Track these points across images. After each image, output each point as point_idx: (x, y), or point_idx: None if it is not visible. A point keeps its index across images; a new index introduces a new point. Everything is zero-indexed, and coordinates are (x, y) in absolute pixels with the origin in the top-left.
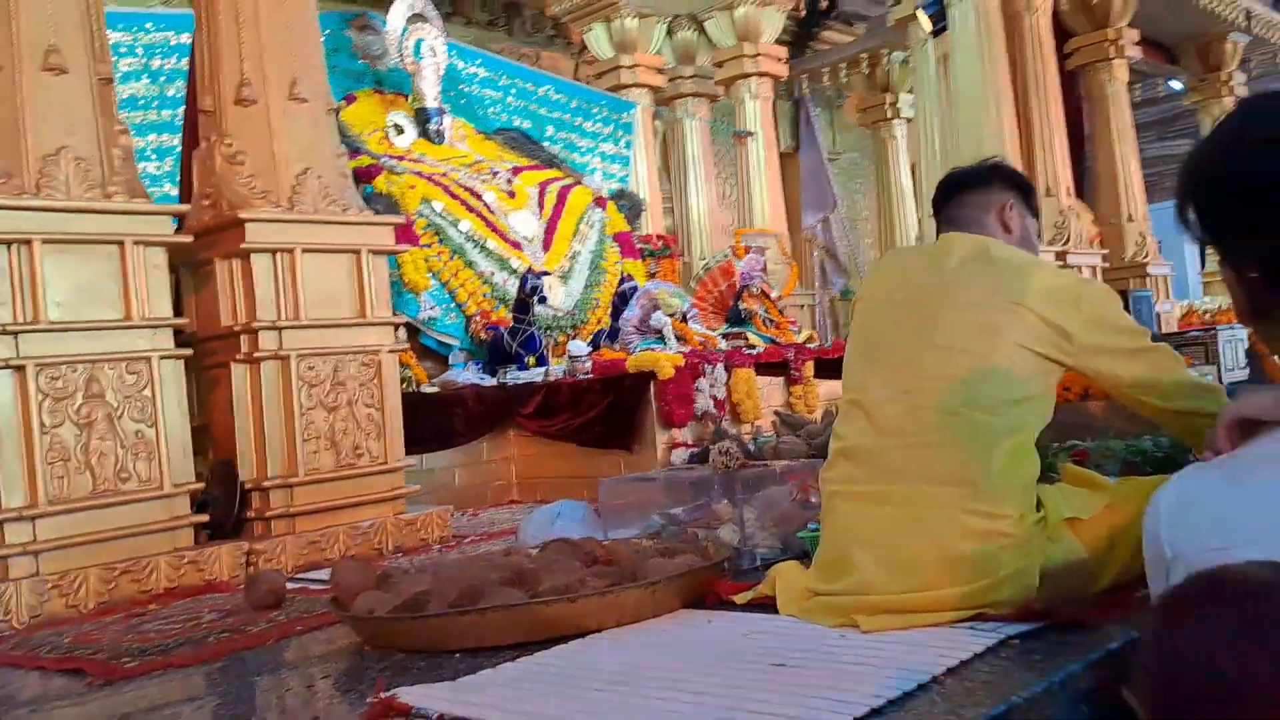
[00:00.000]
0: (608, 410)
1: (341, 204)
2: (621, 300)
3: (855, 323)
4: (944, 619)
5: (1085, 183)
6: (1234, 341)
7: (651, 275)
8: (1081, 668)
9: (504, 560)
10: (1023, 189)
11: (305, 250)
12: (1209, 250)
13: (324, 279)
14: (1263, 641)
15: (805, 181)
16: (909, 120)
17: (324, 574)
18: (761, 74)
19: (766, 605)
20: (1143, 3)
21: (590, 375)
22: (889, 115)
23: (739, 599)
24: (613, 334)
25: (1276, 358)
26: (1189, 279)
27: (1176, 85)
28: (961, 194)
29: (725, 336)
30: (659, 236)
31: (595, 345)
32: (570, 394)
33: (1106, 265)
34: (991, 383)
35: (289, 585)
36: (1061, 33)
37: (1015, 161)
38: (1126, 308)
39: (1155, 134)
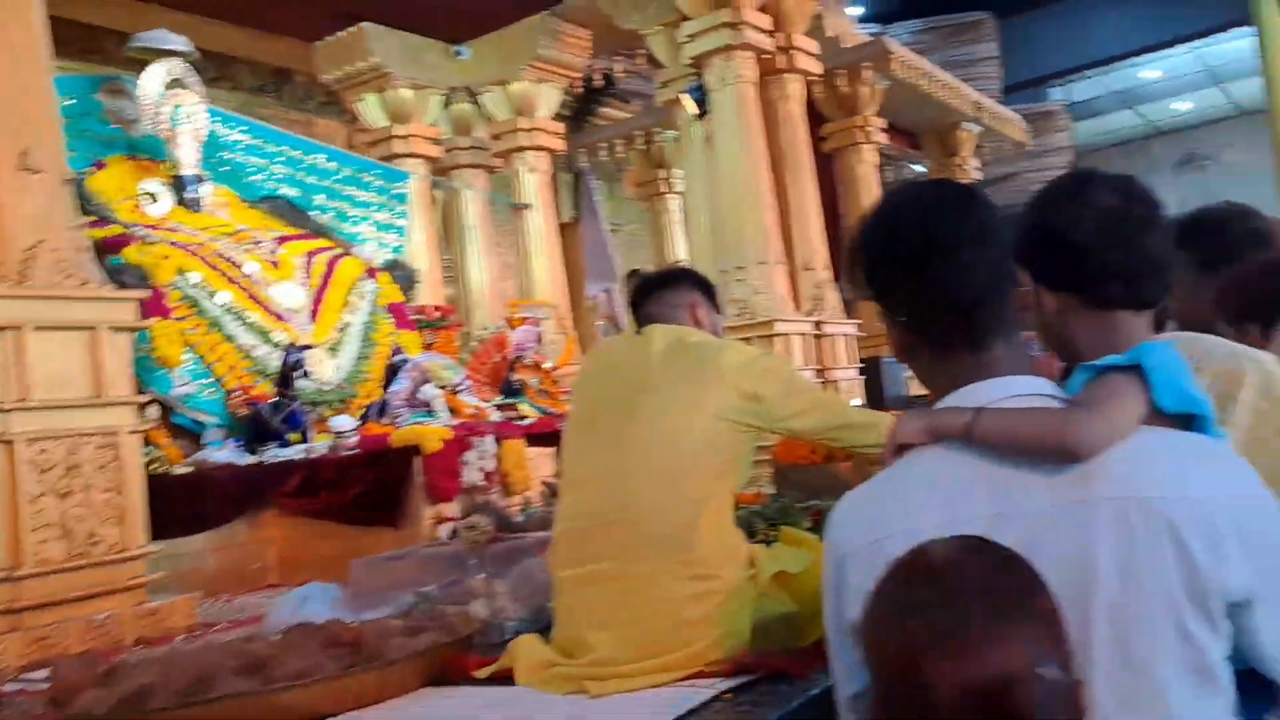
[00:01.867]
0: (372, 486)
1: (78, 278)
2: (392, 373)
3: (572, 407)
4: (667, 679)
5: (840, 257)
6: None
7: (428, 346)
8: (783, 715)
9: (241, 647)
10: (706, 289)
11: (37, 328)
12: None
13: (56, 357)
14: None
15: (588, 252)
16: (680, 194)
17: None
18: (538, 148)
19: (508, 678)
20: (888, 94)
21: (355, 451)
22: (663, 190)
23: (480, 673)
24: (383, 407)
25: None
26: None
27: (919, 168)
28: (657, 293)
29: (498, 408)
30: (436, 307)
31: (365, 419)
32: (334, 470)
33: (861, 334)
34: (693, 456)
35: (7, 687)
36: (817, 117)
37: (775, 237)
38: (876, 374)
39: None
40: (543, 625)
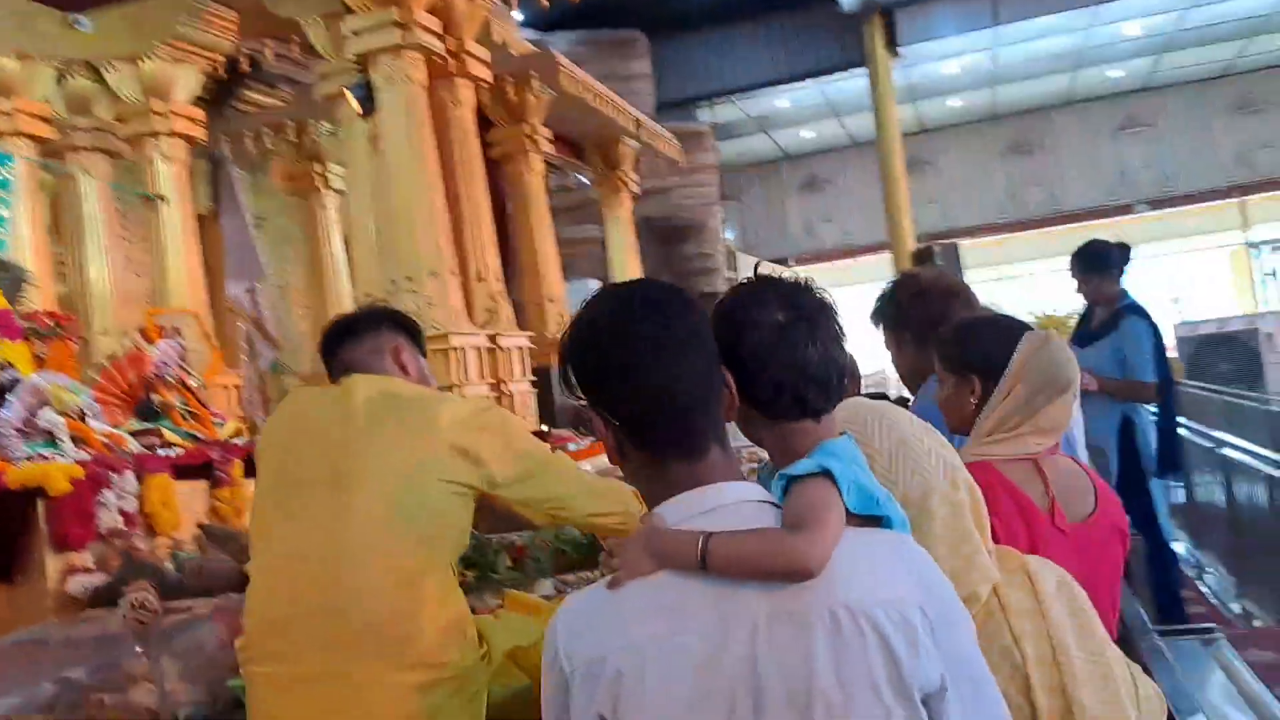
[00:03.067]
0: None
1: None
2: (1, 394)
3: (259, 479)
4: None
5: (509, 266)
6: None
7: (39, 360)
8: None
9: None
10: (410, 331)
11: None
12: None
13: None
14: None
15: (229, 249)
16: (340, 192)
17: None
18: (175, 134)
19: None
20: (553, 104)
21: None
22: (319, 185)
23: None
24: None
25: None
26: None
27: (585, 180)
28: (354, 339)
29: (136, 434)
30: (49, 314)
31: None
32: None
33: (534, 346)
34: (409, 531)
35: None
36: (485, 120)
37: (448, 246)
38: (547, 383)
39: (568, 218)
40: (221, 710)
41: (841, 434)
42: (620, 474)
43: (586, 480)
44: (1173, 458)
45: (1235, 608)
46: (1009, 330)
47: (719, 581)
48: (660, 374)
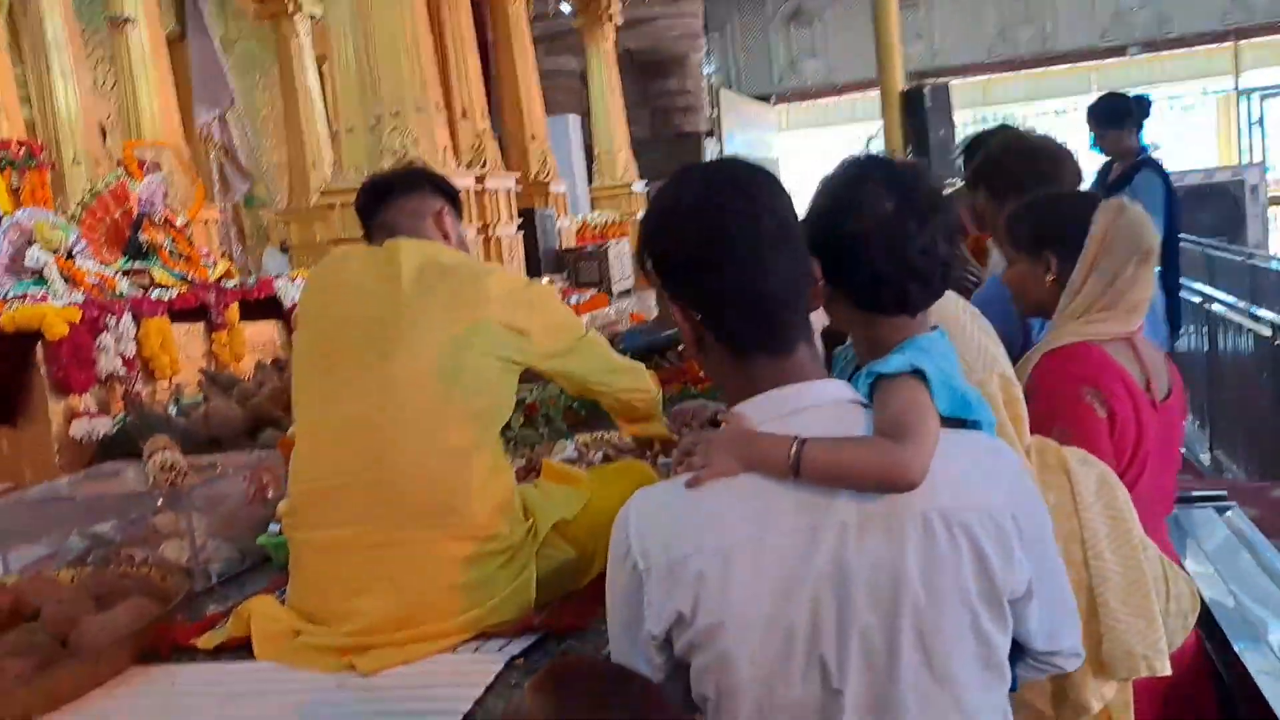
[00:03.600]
0: None
1: None
2: None
3: (300, 342)
4: (446, 645)
5: (490, 103)
6: (621, 256)
7: (14, 193)
8: None
9: None
10: (450, 196)
11: None
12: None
13: None
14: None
15: (196, 73)
16: (313, 17)
17: None
18: None
19: (237, 646)
20: None
21: None
22: (290, 10)
23: (203, 643)
24: None
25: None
26: (578, 195)
27: (566, 9)
28: (394, 199)
29: (125, 274)
30: (20, 142)
31: None
32: None
33: (519, 188)
34: (459, 402)
35: None
36: None
37: (433, 81)
38: (532, 226)
39: (545, 49)
40: (251, 566)
41: (934, 328)
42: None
43: (616, 358)
44: (1175, 316)
45: (1205, 459)
46: (1083, 202)
47: (808, 486)
48: (750, 268)
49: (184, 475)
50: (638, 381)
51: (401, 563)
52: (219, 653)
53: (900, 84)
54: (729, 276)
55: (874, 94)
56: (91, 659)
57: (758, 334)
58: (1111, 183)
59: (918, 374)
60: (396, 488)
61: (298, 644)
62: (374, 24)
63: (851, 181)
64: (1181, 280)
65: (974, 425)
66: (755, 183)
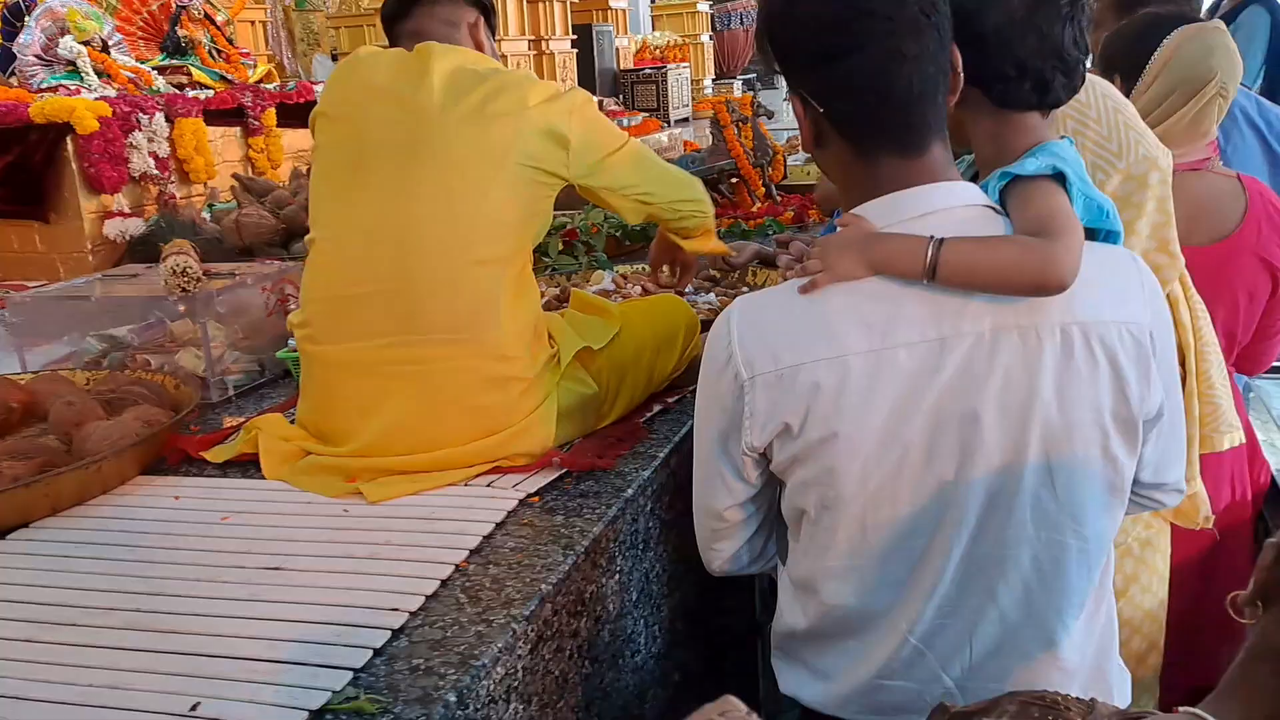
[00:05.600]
0: (9, 171)
1: None
2: (14, 16)
3: (321, 146)
4: (457, 478)
5: None
6: (680, 80)
7: None
8: (603, 527)
9: None
10: (486, 7)
11: None
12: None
13: None
14: None
15: None
16: None
17: None
18: None
19: (245, 463)
20: None
21: None
22: None
23: (212, 457)
24: (7, 62)
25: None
26: (640, 13)
27: None
28: (426, 4)
29: (161, 70)
30: None
31: None
32: None
33: (576, 0)
34: (492, 211)
35: None
36: None
37: None
38: (588, 43)
39: None
40: (270, 380)
41: (1062, 138)
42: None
43: (667, 168)
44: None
45: None
46: (1164, 26)
47: (940, 291)
48: (888, 58)
49: (198, 281)
50: (692, 194)
51: (417, 379)
52: (228, 467)
53: None
54: (863, 62)
55: None
56: (95, 464)
57: (889, 129)
58: (1220, 17)
59: (1057, 177)
60: (418, 299)
61: (306, 464)
62: None
63: None
64: None
65: (1107, 237)
66: None
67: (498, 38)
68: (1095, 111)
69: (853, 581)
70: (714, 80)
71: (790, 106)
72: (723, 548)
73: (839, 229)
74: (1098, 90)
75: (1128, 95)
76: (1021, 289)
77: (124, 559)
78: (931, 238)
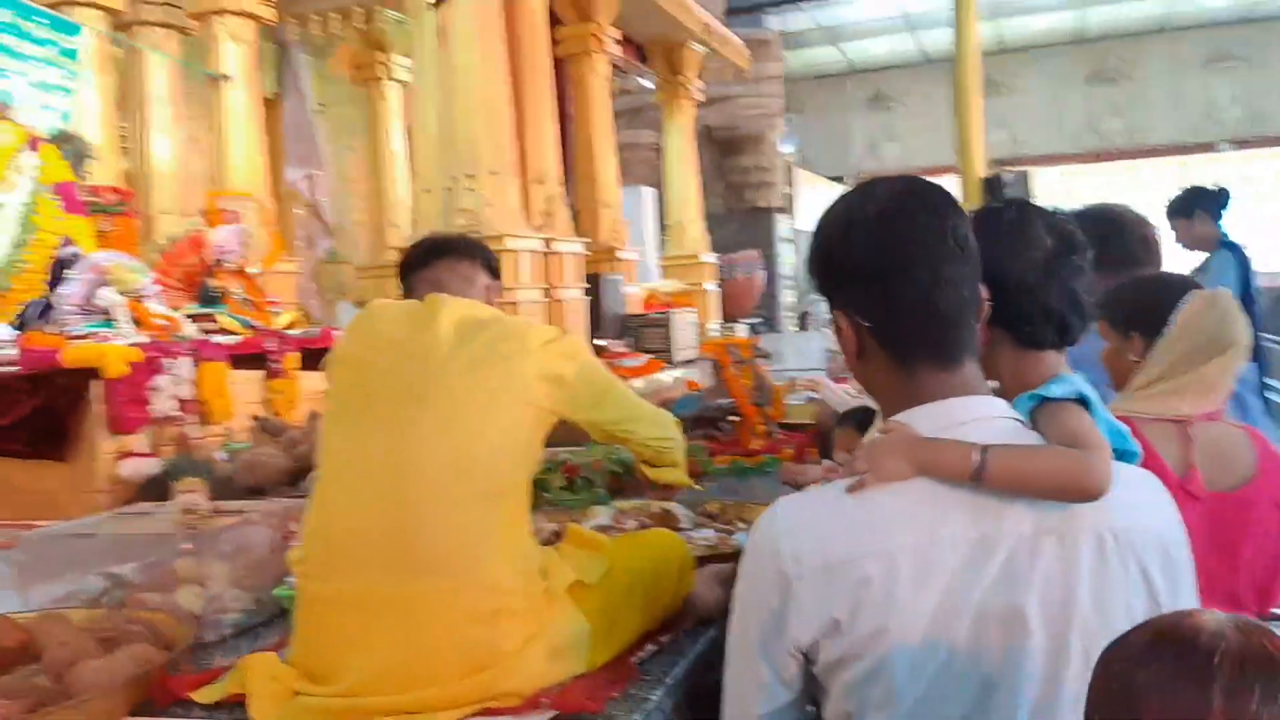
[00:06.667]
0: (35, 413)
1: None
2: (61, 269)
3: (332, 389)
4: (448, 718)
5: (566, 169)
6: (686, 324)
7: (102, 235)
8: None
9: None
10: (497, 274)
11: None
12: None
13: None
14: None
15: (289, 134)
16: (403, 83)
17: None
18: (243, 13)
19: (235, 703)
20: (623, 2)
21: (14, 368)
22: (381, 75)
23: (200, 698)
24: (46, 309)
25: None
26: (649, 264)
27: (648, 84)
28: (450, 260)
29: (192, 318)
30: (113, 189)
31: (23, 324)
32: None
33: (588, 253)
34: (488, 452)
35: None
36: (552, 18)
37: (510, 146)
38: (598, 292)
39: (625, 122)
40: (266, 619)
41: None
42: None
43: (644, 406)
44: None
45: None
46: (1176, 287)
47: (983, 494)
48: (930, 277)
49: (206, 519)
50: (665, 431)
51: (405, 615)
52: (215, 709)
53: (981, 170)
54: (909, 284)
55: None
56: (83, 704)
57: (929, 344)
58: (1193, 272)
59: (1081, 401)
60: (412, 533)
61: (294, 705)
62: (456, 89)
63: (1016, 221)
64: (1269, 382)
65: (1123, 456)
66: (940, 198)
67: (510, 287)
68: None
69: None
70: (721, 325)
71: (823, 335)
72: None
73: (881, 435)
74: None
75: (1146, 351)
76: (1063, 494)
77: None
78: (977, 444)
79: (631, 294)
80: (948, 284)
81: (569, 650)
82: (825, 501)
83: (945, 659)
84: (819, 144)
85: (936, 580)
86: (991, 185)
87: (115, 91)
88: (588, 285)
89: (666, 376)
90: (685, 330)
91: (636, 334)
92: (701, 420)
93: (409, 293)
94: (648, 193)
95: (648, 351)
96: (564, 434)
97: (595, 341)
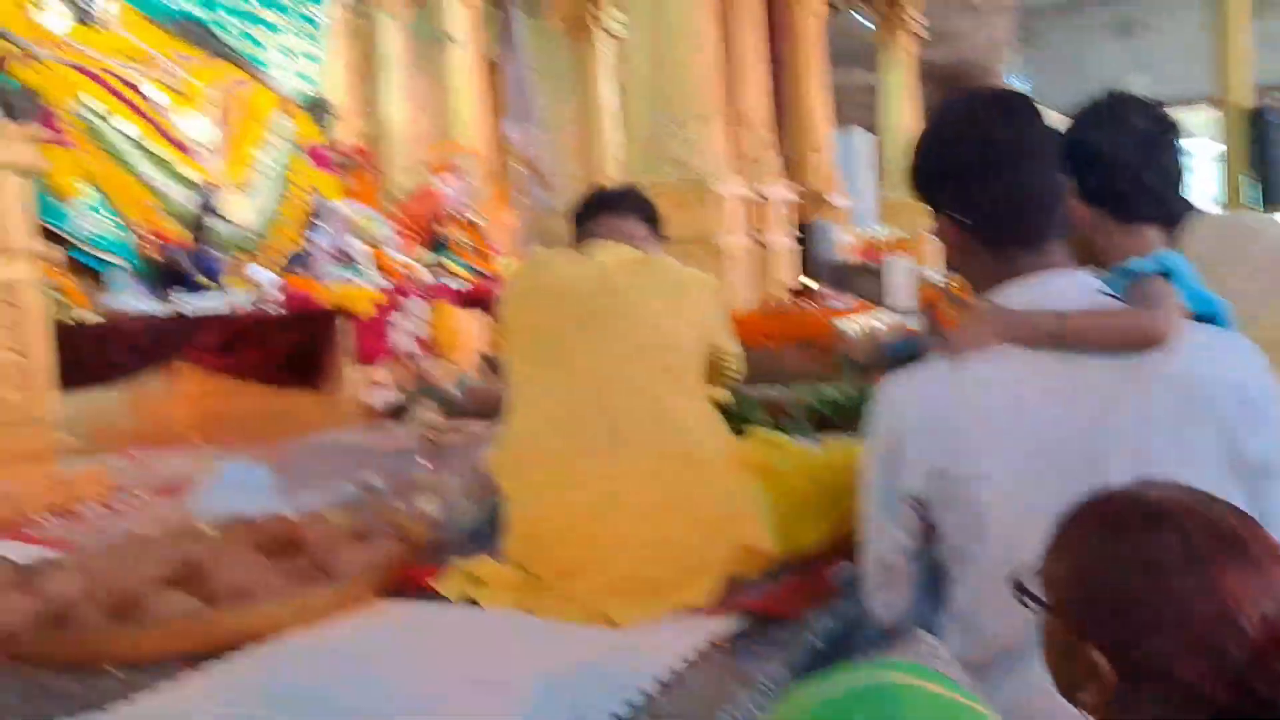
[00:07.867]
0: (295, 346)
1: None
2: (312, 219)
3: (513, 322)
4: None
5: (777, 113)
6: (903, 272)
7: (348, 191)
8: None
9: (170, 550)
10: (654, 221)
11: None
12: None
13: None
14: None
15: (509, 91)
16: (615, 36)
17: None
18: None
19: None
20: None
21: (281, 310)
22: (593, 28)
23: (439, 586)
24: (302, 258)
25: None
26: (865, 209)
27: (865, 21)
28: (618, 213)
29: (427, 266)
30: (356, 149)
31: (284, 270)
32: (257, 328)
33: (799, 199)
34: (680, 364)
35: None
36: None
37: (718, 92)
38: (809, 238)
39: (836, 62)
40: (494, 528)
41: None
42: None
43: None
44: None
45: None
46: None
47: (1064, 354)
48: (1014, 172)
49: (442, 433)
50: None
51: (624, 514)
52: (443, 599)
53: (1247, 100)
54: (997, 179)
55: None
56: (340, 586)
57: (1017, 229)
58: None
59: (1166, 275)
60: (625, 444)
61: (518, 596)
62: (666, 35)
63: (1113, 106)
64: None
65: (1214, 323)
66: (1019, 104)
67: (717, 233)
68: (1245, 267)
69: (1007, 613)
70: (943, 271)
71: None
72: (887, 598)
73: (973, 310)
74: (1260, 240)
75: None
76: (1129, 344)
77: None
78: (1055, 311)
79: (845, 242)
80: (1030, 173)
81: (778, 517)
82: (928, 368)
83: (1031, 501)
84: (1056, 77)
85: (1027, 431)
86: (1259, 117)
87: (355, 56)
88: (799, 233)
89: (878, 320)
90: (902, 276)
91: (849, 281)
92: (908, 355)
93: (580, 238)
94: (860, 134)
95: (860, 297)
96: (767, 371)
97: (807, 282)
